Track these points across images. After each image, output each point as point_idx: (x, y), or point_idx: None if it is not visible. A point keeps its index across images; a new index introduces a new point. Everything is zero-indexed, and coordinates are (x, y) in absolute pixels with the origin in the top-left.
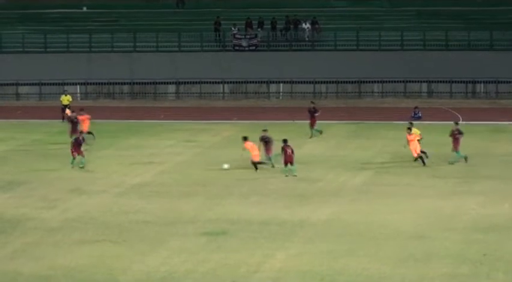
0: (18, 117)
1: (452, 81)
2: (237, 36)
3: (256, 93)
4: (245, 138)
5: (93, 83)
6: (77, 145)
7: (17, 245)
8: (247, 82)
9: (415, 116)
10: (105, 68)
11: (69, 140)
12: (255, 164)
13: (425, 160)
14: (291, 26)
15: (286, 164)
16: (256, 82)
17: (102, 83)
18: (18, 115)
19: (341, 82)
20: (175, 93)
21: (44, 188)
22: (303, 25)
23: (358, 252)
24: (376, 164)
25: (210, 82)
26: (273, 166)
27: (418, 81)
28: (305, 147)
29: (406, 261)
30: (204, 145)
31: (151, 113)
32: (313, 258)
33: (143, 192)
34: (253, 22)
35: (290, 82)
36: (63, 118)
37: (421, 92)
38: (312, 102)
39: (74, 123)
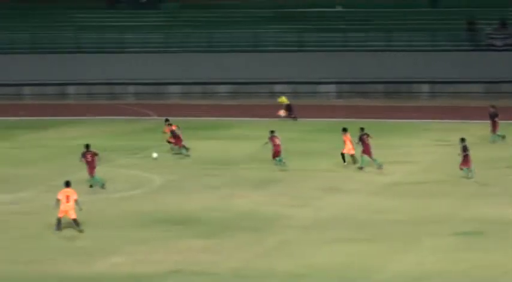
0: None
1: None
2: (491, 35)
3: (509, 92)
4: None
5: (348, 82)
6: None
7: (271, 243)
8: (502, 82)
9: None
10: (358, 66)
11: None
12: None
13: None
14: None
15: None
16: (510, 82)
17: (356, 82)
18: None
19: None
20: (429, 92)
21: (296, 186)
22: None
23: None
24: None
25: (463, 82)
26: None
27: None
28: None
29: None
30: (456, 145)
31: (404, 112)
32: None
33: (396, 191)
34: (508, 21)
35: None
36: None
37: None
38: (493, 106)
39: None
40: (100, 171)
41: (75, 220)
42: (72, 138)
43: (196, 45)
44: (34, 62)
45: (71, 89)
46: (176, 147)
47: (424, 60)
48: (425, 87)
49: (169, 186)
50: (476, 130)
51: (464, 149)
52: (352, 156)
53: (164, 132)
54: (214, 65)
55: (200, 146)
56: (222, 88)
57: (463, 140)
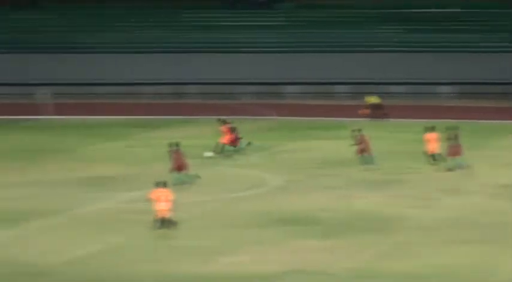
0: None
1: None
2: None
3: None
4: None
5: (465, 83)
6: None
7: (390, 244)
8: None
9: None
10: (475, 67)
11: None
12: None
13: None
14: None
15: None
16: None
17: (472, 83)
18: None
19: None
20: None
21: (417, 187)
22: None
23: None
24: None
25: None
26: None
27: None
28: None
29: None
30: None
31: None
32: None
33: None
34: None
35: None
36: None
37: None
38: None
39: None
40: (219, 170)
41: (169, 220)
42: (188, 138)
43: (312, 45)
44: (152, 62)
45: (188, 89)
46: (233, 146)
47: None
48: None
49: (286, 186)
50: None
51: None
52: (433, 155)
53: (222, 132)
54: (330, 64)
55: (317, 146)
56: (340, 88)
57: None
